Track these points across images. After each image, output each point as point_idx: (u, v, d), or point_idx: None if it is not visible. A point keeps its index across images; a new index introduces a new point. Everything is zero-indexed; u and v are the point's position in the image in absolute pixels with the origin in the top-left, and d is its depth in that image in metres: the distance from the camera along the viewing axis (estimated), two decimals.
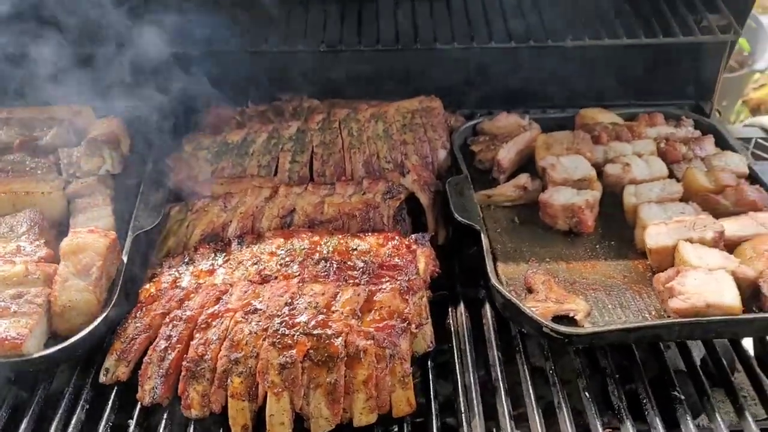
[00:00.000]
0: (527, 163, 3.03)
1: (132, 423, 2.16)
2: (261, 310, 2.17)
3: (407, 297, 2.20)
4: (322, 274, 2.34)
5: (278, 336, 2.09)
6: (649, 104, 3.41)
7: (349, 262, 2.39)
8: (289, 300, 2.18)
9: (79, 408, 2.19)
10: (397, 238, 2.49)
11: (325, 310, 2.15)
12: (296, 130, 3.09)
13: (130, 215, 2.67)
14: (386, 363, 2.09)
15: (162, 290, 2.38)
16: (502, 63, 3.43)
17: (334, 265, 2.36)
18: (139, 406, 2.19)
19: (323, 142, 3.04)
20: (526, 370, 2.28)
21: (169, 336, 2.19)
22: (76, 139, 2.93)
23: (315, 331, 2.09)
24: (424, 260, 2.45)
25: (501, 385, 2.23)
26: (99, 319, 2.24)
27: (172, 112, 3.26)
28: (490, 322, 2.45)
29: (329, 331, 2.09)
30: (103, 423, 2.15)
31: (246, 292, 2.22)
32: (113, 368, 2.24)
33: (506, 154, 2.96)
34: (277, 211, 2.68)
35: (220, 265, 2.45)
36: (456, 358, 2.33)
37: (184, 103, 3.32)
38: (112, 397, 2.22)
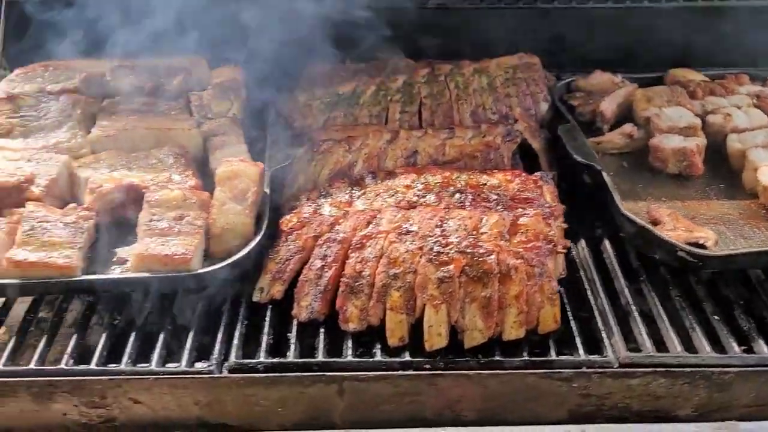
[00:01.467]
0: (623, 118, 3.18)
1: (292, 337, 2.28)
2: (413, 231, 2.31)
3: (549, 221, 2.34)
4: (458, 204, 2.48)
5: (434, 253, 2.22)
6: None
7: (482, 195, 2.53)
8: (439, 223, 2.32)
9: (239, 324, 2.31)
10: (522, 174, 2.63)
11: (474, 232, 2.29)
12: (402, 83, 3.24)
13: (258, 156, 2.80)
14: (535, 281, 2.22)
15: (304, 219, 2.51)
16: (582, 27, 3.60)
17: (469, 197, 2.51)
18: (295, 322, 2.32)
19: (431, 93, 3.18)
20: (654, 296, 2.41)
21: (325, 256, 2.32)
22: (197, 86, 3.06)
23: (468, 250, 2.23)
24: (549, 196, 2.60)
25: (633, 308, 2.37)
26: (257, 239, 2.37)
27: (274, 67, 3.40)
28: (612, 254, 2.59)
29: (481, 250, 2.23)
30: (264, 337, 2.27)
31: (396, 216, 2.36)
32: (268, 287, 2.37)
33: (608, 105, 3.11)
34: (400, 153, 2.82)
35: (358, 197, 2.58)
36: (586, 284, 2.46)
37: (285, 61, 3.46)
38: (268, 314, 2.35)
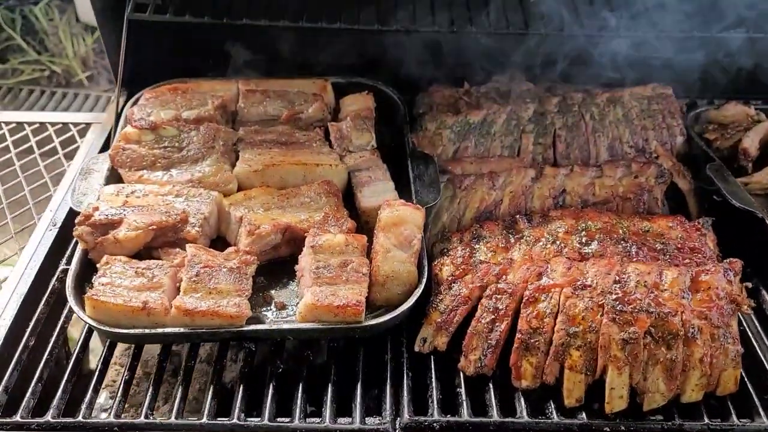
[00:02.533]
0: (763, 153, 3.08)
1: (461, 392, 2.22)
2: (590, 286, 2.23)
3: (731, 278, 2.26)
4: (625, 254, 2.40)
5: (617, 312, 2.15)
6: None
7: (647, 243, 2.45)
8: (617, 278, 2.24)
9: (404, 376, 2.26)
10: (683, 221, 2.54)
11: (654, 289, 2.22)
12: (533, 112, 3.14)
13: (401, 191, 2.72)
14: (719, 343, 2.15)
15: (463, 266, 2.44)
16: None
17: (634, 246, 2.43)
18: (462, 375, 2.26)
19: (566, 124, 3.08)
20: None
21: (495, 308, 2.26)
22: (322, 113, 2.98)
23: (652, 309, 2.15)
24: (711, 244, 2.51)
25: None
26: (421, 288, 2.30)
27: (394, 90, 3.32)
28: None
29: (666, 310, 2.15)
30: (434, 391, 2.21)
31: (569, 268, 2.28)
32: (431, 338, 2.31)
33: (752, 142, 3.00)
34: (547, 192, 2.74)
35: (514, 242, 2.51)
36: (753, 341, 2.38)
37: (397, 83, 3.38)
38: (432, 365, 2.29)
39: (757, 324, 2.47)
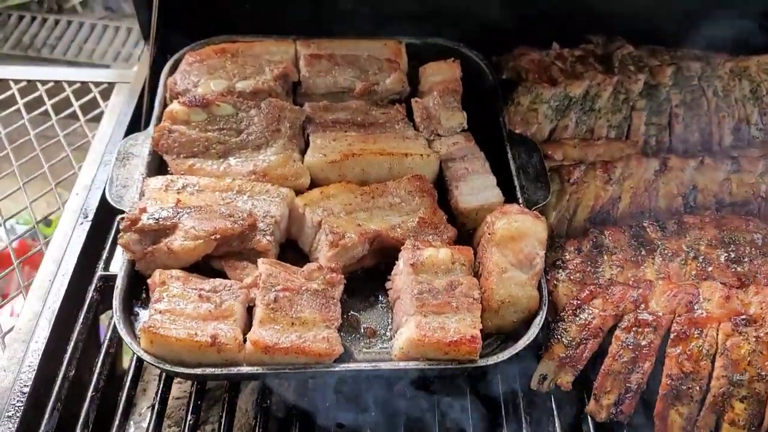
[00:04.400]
0: None
1: None
2: (755, 321, 1.84)
3: None
4: None
5: None
6: None
7: None
8: None
9: (522, 418, 1.89)
10: None
11: None
12: (644, 84, 2.66)
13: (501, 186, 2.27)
14: None
15: (580, 282, 2.04)
16: None
17: None
18: (590, 420, 1.89)
19: (684, 102, 2.61)
20: None
21: (637, 345, 1.87)
22: (400, 84, 2.50)
23: None
24: None
25: None
26: (542, 317, 1.90)
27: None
28: None
29: None
30: None
31: (728, 298, 1.88)
32: (553, 375, 1.93)
33: None
34: (675, 188, 2.30)
35: (646, 255, 2.09)
36: None
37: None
38: (554, 408, 1.92)
39: None
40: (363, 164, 2.16)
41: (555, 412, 1.91)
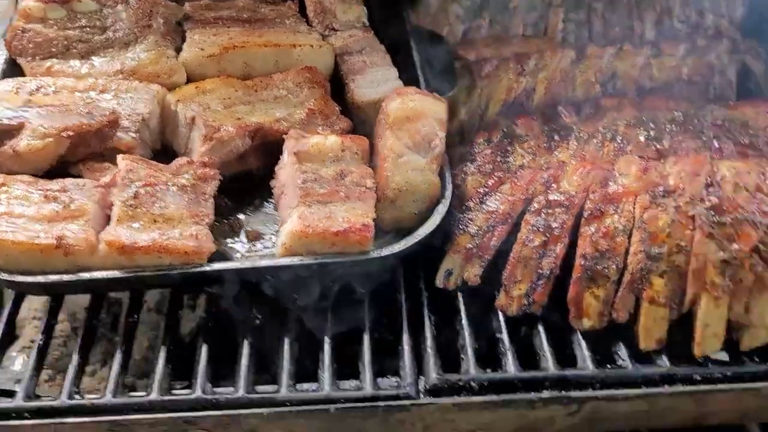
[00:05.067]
0: None
1: (504, 338, 1.67)
2: (674, 191, 1.67)
3: None
4: (705, 150, 1.84)
5: (714, 225, 1.60)
6: None
7: (730, 137, 1.89)
8: (708, 179, 1.68)
9: (426, 322, 1.69)
10: None
11: (758, 193, 1.66)
12: None
13: (406, 81, 2.08)
14: None
15: (491, 172, 1.85)
16: None
17: (715, 140, 1.86)
18: (501, 317, 1.71)
19: None
20: None
21: (547, 227, 1.68)
22: None
23: (758, 219, 1.61)
24: None
25: None
26: (445, 206, 1.71)
27: None
28: None
29: None
30: (467, 340, 1.66)
31: (645, 169, 1.70)
32: (459, 269, 1.73)
33: None
34: (593, 76, 2.13)
35: (560, 140, 1.91)
36: None
37: None
38: (461, 306, 1.73)
39: None
40: (245, 58, 1.94)
41: (462, 311, 1.72)
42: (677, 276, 1.61)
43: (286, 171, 1.71)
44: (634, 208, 1.67)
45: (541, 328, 1.69)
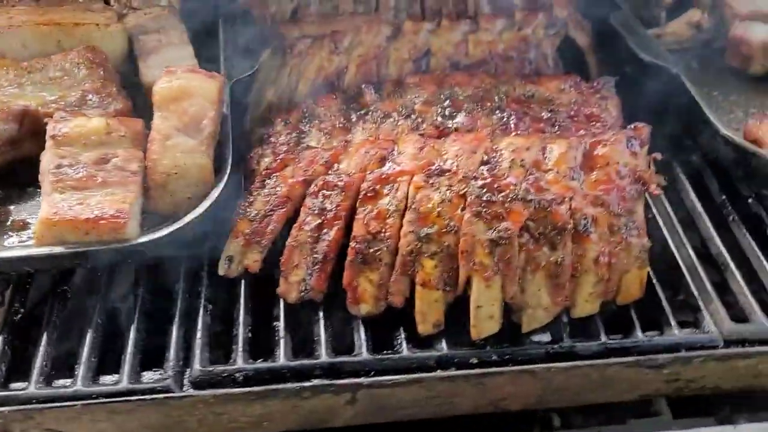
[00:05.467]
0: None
1: (279, 327, 1.61)
2: (449, 170, 1.61)
3: (636, 149, 1.68)
4: (501, 127, 1.79)
5: (483, 203, 1.55)
6: None
7: (530, 112, 1.85)
8: (485, 157, 1.63)
9: (201, 311, 1.62)
10: (579, 80, 1.94)
11: (534, 169, 1.62)
12: None
13: (209, 65, 2.01)
14: (621, 236, 1.60)
15: (285, 155, 1.78)
16: None
17: (513, 116, 1.81)
18: (282, 304, 1.65)
19: None
20: (753, 243, 1.83)
21: (322, 209, 1.62)
22: None
23: (531, 196, 1.57)
24: (614, 110, 1.93)
25: (728, 261, 1.79)
26: (218, 190, 1.64)
27: None
28: (689, 187, 1.98)
29: (549, 196, 1.57)
30: (240, 328, 1.59)
31: (422, 148, 1.65)
32: (239, 256, 1.67)
33: None
34: (407, 53, 2.08)
35: (357, 120, 1.85)
36: (665, 230, 1.86)
37: None
38: (242, 294, 1.66)
39: (669, 207, 1.94)
40: (23, 38, 1.84)
41: (241, 300, 1.65)
42: (449, 257, 1.56)
43: (45, 156, 1.62)
44: (408, 188, 1.62)
45: (321, 314, 1.64)
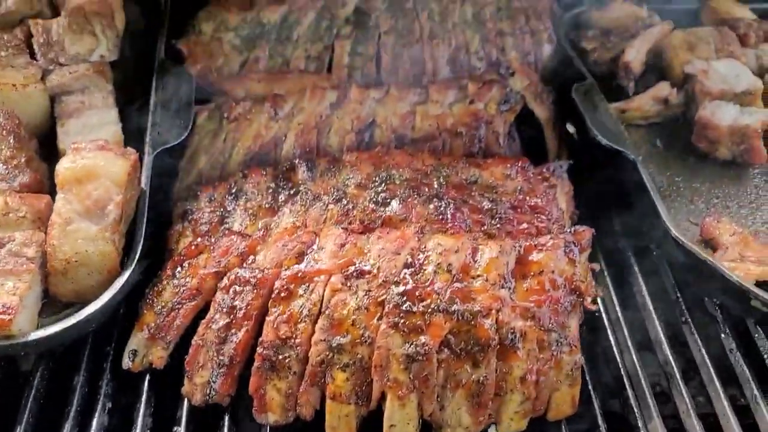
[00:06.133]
0: (651, 67, 2.36)
1: (181, 429, 1.49)
2: (369, 272, 1.49)
3: (573, 256, 1.56)
4: (437, 218, 1.67)
5: (402, 314, 1.43)
6: None
7: (470, 201, 1.72)
8: (409, 258, 1.51)
9: (99, 407, 1.51)
10: (527, 165, 1.82)
11: (461, 274, 1.50)
12: (354, 9, 2.30)
13: (138, 123, 1.90)
14: (551, 352, 1.48)
15: (205, 235, 1.67)
16: None
17: (451, 206, 1.69)
18: (186, 405, 1.53)
19: (394, 28, 2.26)
20: (704, 352, 1.70)
21: (232, 308, 1.50)
22: (49, 8, 2.07)
23: (454, 307, 1.45)
24: (564, 198, 1.81)
25: (675, 371, 1.67)
26: (122, 280, 1.52)
27: None
28: (642, 282, 1.85)
29: (474, 307, 1.45)
30: (138, 427, 1.48)
31: (343, 245, 1.53)
32: (143, 350, 1.55)
33: (636, 55, 2.27)
34: (350, 123, 1.95)
35: (285, 201, 1.73)
36: (609, 331, 1.74)
37: None
38: (145, 390, 1.54)
39: (617, 304, 1.81)
40: None
41: (144, 398, 1.53)
42: (362, 370, 1.43)
43: None
44: (323, 290, 1.50)
45: (226, 419, 1.52)
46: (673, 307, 1.82)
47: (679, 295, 1.83)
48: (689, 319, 1.78)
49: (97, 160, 1.55)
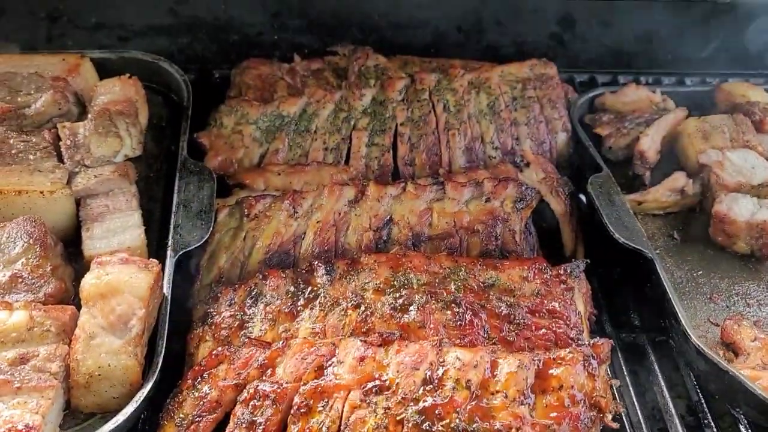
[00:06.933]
0: (666, 152, 2.38)
1: None
2: (388, 387, 1.50)
3: (592, 370, 1.55)
4: (455, 324, 1.67)
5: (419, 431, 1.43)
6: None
7: (487, 305, 1.73)
8: (428, 373, 1.51)
9: None
10: (544, 267, 1.82)
11: (480, 390, 1.50)
12: (371, 100, 2.35)
13: (159, 220, 1.95)
14: None
15: (225, 340, 1.69)
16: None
17: (469, 312, 1.70)
18: None
19: (410, 119, 2.31)
20: None
21: (252, 423, 1.51)
22: (76, 106, 2.14)
23: (474, 426, 1.44)
24: (582, 300, 1.81)
25: None
26: (143, 393, 1.54)
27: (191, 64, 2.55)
28: (663, 384, 1.84)
29: (495, 425, 1.44)
30: None
31: (363, 359, 1.54)
32: None
33: (651, 144, 2.29)
34: (368, 221, 1.97)
35: (304, 305, 1.75)
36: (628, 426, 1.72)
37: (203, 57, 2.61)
38: None
39: (635, 401, 1.80)
40: None
41: None
42: None
43: None
44: (343, 406, 1.50)
45: None
46: (695, 409, 1.81)
47: (700, 395, 1.81)
48: (711, 422, 1.77)
49: (121, 275, 1.58)
